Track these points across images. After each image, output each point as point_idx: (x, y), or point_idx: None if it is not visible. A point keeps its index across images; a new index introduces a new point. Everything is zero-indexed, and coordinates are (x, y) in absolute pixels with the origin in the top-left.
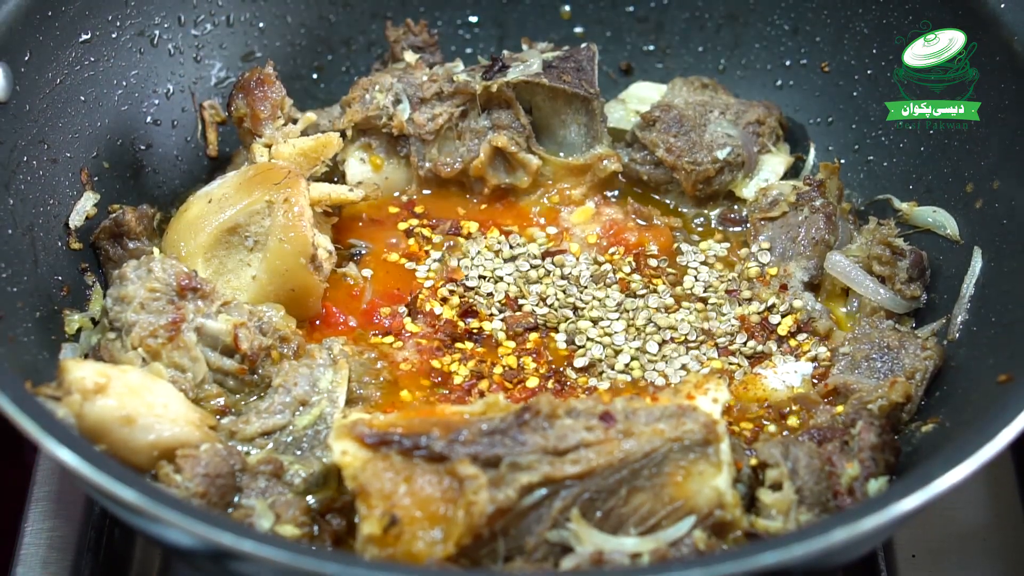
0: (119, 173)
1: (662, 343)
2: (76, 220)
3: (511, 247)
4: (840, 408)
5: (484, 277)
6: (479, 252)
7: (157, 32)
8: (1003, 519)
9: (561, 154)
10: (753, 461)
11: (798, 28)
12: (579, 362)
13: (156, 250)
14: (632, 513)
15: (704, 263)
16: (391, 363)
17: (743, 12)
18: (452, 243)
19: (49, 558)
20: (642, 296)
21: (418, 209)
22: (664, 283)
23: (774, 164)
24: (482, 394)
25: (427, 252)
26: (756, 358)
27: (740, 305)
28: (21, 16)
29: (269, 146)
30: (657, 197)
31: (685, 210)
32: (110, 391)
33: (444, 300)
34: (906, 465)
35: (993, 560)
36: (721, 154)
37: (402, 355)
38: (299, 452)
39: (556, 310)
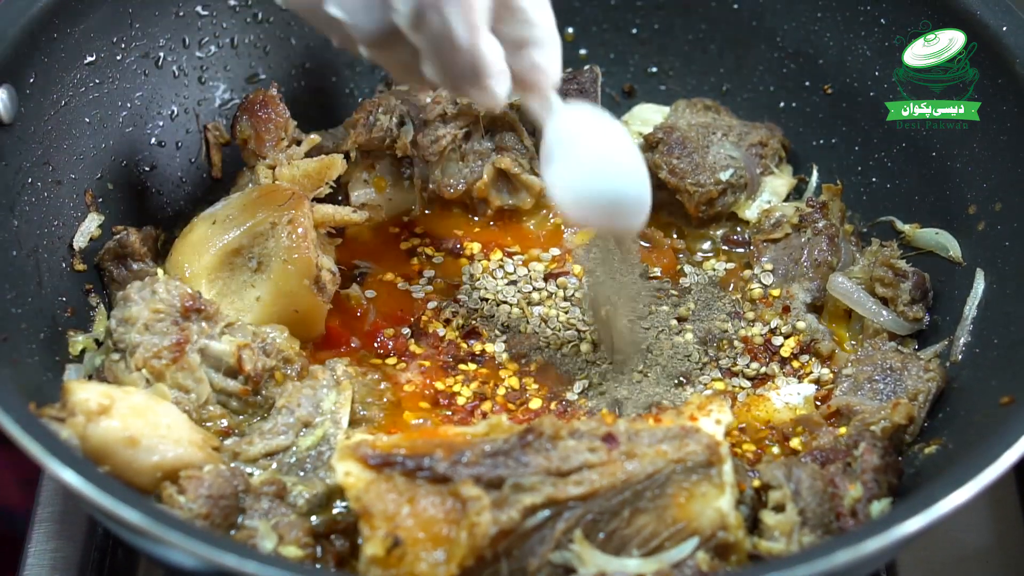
0: (123, 194)
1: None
2: (80, 241)
3: (514, 269)
4: (843, 430)
5: (486, 299)
6: (482, 273)
7: (162, 54)
8: (1005, 541)
9: None
10: (756, 482)
11: (800, 50)
12: (578, 386)
13: (160, 271)
14: (635, 535)
15: (707, 284)
16: (394, 384)
17: (746, 34)
18: (454, 263)
19: None
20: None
21: (418, 230)
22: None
23: (777, 186)
24: (485, 415)
25: (427, 272)
26: (759, 379)
27: (743, 326)
28: (26, 38)
29: (273, 168)
30: (660, 218)
31: (688, 231)
32: (114, 412)
33: (447, 321)
34: (909, 487)
35: None
36: (724, 176)
37: (405, 376)
38: (302, 473)
39: (559, 332)
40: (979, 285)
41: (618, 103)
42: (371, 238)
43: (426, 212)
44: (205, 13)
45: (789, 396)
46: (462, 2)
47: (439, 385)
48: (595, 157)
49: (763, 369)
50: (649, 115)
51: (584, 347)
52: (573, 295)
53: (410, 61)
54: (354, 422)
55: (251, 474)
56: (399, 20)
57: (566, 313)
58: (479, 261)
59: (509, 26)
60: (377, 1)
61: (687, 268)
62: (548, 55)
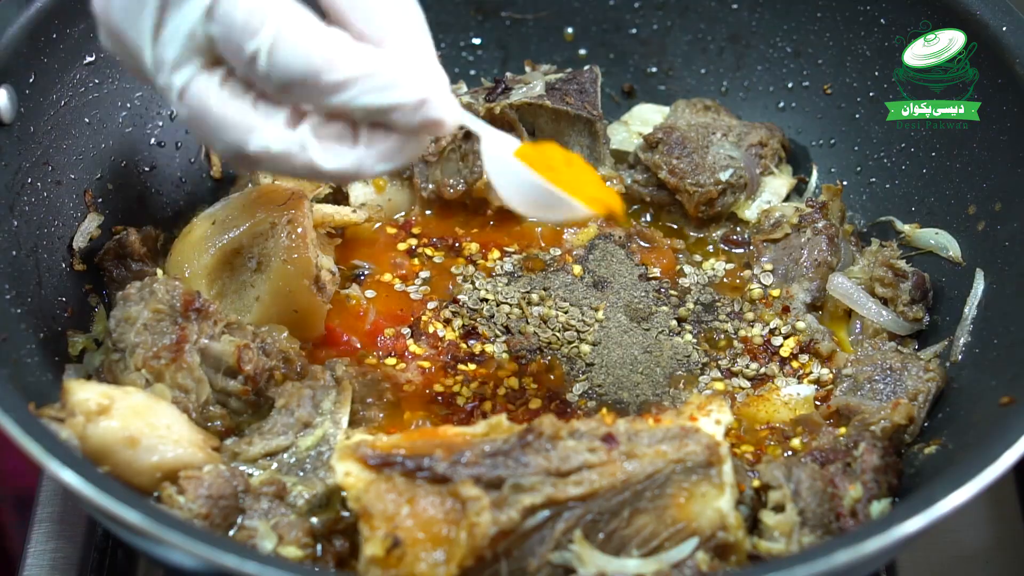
0: (123, 194)
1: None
2: (80, 242)
3: (513, 268)
4: (843, 430)
5: (486, 299)
6: (481, 274)
7: None
8: (1005, 541)
9: None
10: (756, 483)
11: (800, 51)
12: (578, 388)
13: (160, 271)
14: (635, 535)
15: (707, 285)
16: (394, 384)
17: (745, 35)
18: (453, 264)
19: None
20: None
21: (415, 230)
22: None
23: (776, 186)
24: (485, 415)
25: (427, 273)
26: (759, 380)
27: (743, 327)
28: (25, 38)
29: None
30: (660, 218)
31: (688, 232)
32: (113, 412)
33: (447, 322)
34: (909, 487)
35: None
36: (724, 176)
37: (405, 376)
38: (302, 473)
39: (559, 333)
40: (979, 285)
41: (618, 103)
42: (371, 238)
43: (426, 212)
44: None
45: (789, 396)
46: (276, 160)
47: (439, 385)
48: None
49: (763, 369)
50: (649, 115)
51: (584, 348)
52: (572, 295)
53: None
54: (354, 422)
55: (251, 474)
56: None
57: (566, 313)
58: (478, 261)
59: (367, 120)
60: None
61: (687, 268)
62: (424, 114)
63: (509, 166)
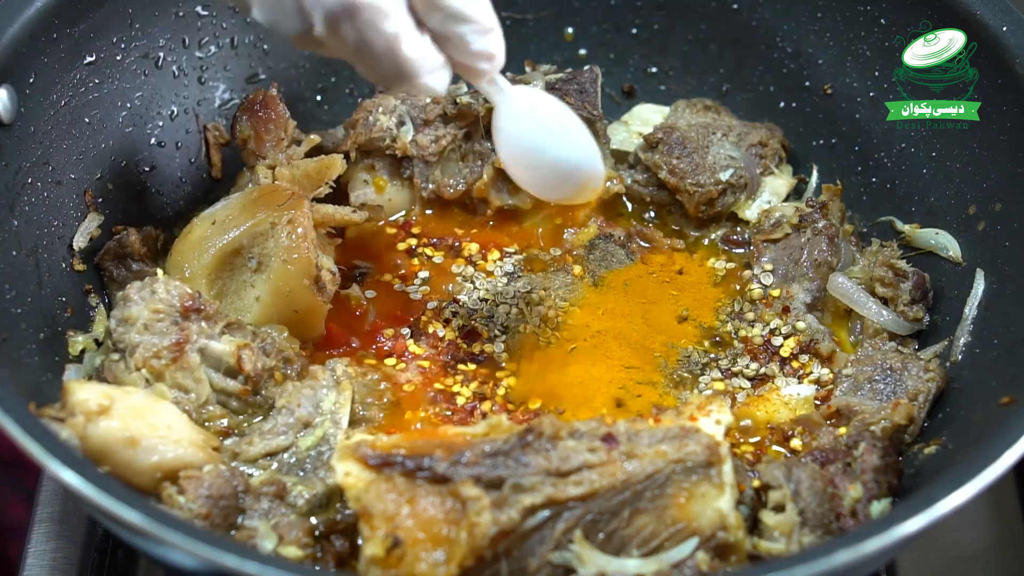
0: (123, 194)
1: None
2: (80, 242)
3: (513, 269)
4: (843, 430)
5: (486, 299)
6: (481, 274)
7: (161, 54)
8: (1005, 541)
9: None
10: (756, 483)
11: (800, 51)
12: None
13: (160, 271)
14: (635, 535)
15: (707, 285)
16: (394, 384)
17: (745, 35)
18: (453, 264)
19: None
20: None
21: (415, 230)
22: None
23: (776, 186)
24: (485, 415)
25: (427, 273)
26: (759, 380)
27: (743, 327)
28: (26, 38)
29: (273, 168)
30: (660, 218)
31: (688, 232)
32: (114, 412)
33: (447, 322)
34: (909, 487)
35: None
36: (724, 176)
37: (405, 376)
38: (302, 473)
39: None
40: (979, 285)
41: (618, 103)
42: (371, 238)
43: (426, 212)
44: (205, 13)
45: (789, 396)
46: (374, 14)
47: (439, 385)
48: (547, 132)
49: (763, 369)
50: (649, 115)
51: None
52: (573, 295)
53: (347, 57)
54: (354, 422)
55: (251, 474)
56: (316, 31)
57: (565, 313)
58: (478, 261)
59: (438, 22)
60: (294, 11)
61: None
62: (487, 42)
63: (523, 133)
